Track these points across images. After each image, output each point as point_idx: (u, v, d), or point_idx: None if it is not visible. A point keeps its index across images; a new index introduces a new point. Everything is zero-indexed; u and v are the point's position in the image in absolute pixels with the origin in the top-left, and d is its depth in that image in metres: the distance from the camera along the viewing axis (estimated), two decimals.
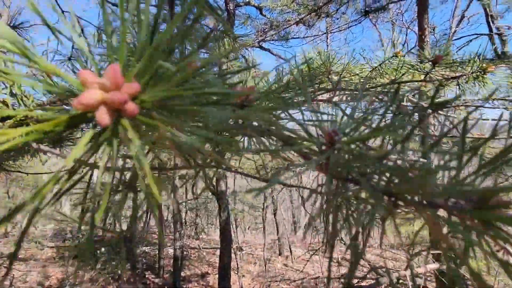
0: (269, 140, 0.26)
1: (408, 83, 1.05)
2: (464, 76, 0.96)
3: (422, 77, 1.03)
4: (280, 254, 12.97)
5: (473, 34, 10.34)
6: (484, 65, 0.95)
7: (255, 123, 0.24)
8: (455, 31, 11.35)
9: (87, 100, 0.18)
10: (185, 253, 10.87)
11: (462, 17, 11.76)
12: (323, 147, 0.25)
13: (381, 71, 1.12)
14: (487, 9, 8.49)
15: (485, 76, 0.97)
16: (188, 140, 0.18)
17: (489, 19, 8.91)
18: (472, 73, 0.96)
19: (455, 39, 11.26)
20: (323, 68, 1.15)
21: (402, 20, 14.00)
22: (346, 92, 1.03)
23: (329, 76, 1.13)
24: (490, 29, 9.05)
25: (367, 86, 1.05)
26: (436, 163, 0.24)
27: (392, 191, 0.23)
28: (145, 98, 0.20)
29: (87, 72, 0.19)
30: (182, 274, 10.45)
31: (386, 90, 1.00)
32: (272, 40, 6.79)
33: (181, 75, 0.20)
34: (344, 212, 0.26)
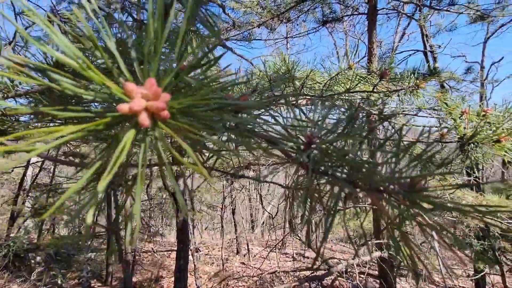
0: (256, 140, 0.33)
1: (359, 92, 1.21)
2: (403, 90, 1.17)
3: (371, 88, 1.20)
4: (238, 252, 13.07)
5: (411, 50, 11.77)
6: (417, 81, 1.17)
7: (248, 126, 0.30)
8: (397, 46, 12.77)
9: (137, 107, 0.22)
10: (137, 257, 10.26)
11: (403, 34, 13.29)
12: (302, 147, 0.33)
13: (337, 80, 1.27)
14: (423, 29, 9.72)
15: (418, 90, 1.19)
16: (213, 139, 0.23)
17: (424, 38, 10.22)
18: (409, 87, 1.17)
19: (397, 53, 12.69)
20: (287, 74, 1.26)
21: (354, 32, 15.26)
22: (308, 97, 1.15)
23: (293, 82, 1.24)
24: (425, 47, 10.40)
25: (326, 93, 1.19)
26: (380, 160, 0.33)
27: (351, 180, 0.31)
28: (174, 105, 0.24)
29: (131, 84, 0.23)
30: (134, 279, 9.85)
31: (342, 97, 1.15)
32: (235, 40, 6.83)
33: (205, 89, 0.25)
34: (317, 196, 0.33)
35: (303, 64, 1.30)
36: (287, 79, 1.19)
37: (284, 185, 0.67)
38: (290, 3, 4.51)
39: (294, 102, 1.22)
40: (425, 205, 0.34)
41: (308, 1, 4.58)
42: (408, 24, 12.81)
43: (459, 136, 0.94)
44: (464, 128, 0.97)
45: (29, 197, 11.25)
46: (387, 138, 0.33)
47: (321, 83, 1.27)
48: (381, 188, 0.31)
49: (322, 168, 0.32)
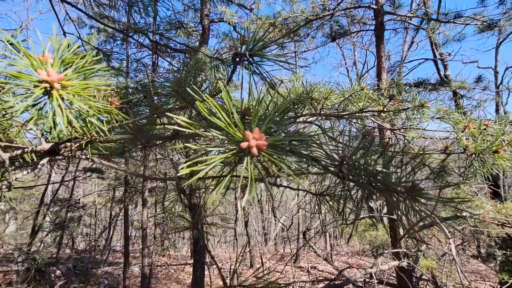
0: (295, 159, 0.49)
1: (371, 111, 1.37)
2: (409, 109, 1.32)
3: (381, 108, 1.36)
4: (251, 266, 12.96)
5: (421, 59, 11.80)
6: (422, 102, 1.33)
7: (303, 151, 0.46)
8: (406, 55, 12.81)
9: (252, 144, 0.39)
10: (152, 271, 10.37)
11: (412, 42, 13.33)
12: (337, 163, 0.49)
13: (351, 100, 1.44)
14: (432, 39, 9.79)
15: (423, 109, 1.35)
16: (296, 164, 0.39)
17: (433, 47, 10.28)
18: (415, 106, 1.33)
19: (407, 62, 12.70)
20: (305, 95, 1.43)
21: (362, 42, 15.44)
22: (325, 116, 1.31)
23: (311, 102, 1.42)
24: (435, 55, 10.44)
25: (342, 113, 1.36)
26: (392, 169, 0.48)
27: (372, 185, 0.47)
28: (267, 142, 0.41)
29: (248, 132, 0.40)
30: None
31: (357, 115, 1.31)
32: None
33: (284, 133, 0.42)
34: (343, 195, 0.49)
35: (313, 80, 1.48)
36: (307, 100, 1.36)
37: (314, 191, 0.82)
38: (300, 21, 4.78)
39: (311, 120, 1.38)
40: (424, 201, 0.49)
41: (317, 20, 4.83)
42: (416, 33, 12.89)
43: (462, 147, 1.07)
44: (467, 139, 1.10)
45: (49, 211, 11.60)
46: (399, 151, 0.49)
47: (336, 104, 1.43)
48: (391, 189, 0.46)
49: (351, 177, 0.47)
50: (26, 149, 0.69)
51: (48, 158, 0.73)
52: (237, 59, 0.70)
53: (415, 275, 3.74)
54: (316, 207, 0.84)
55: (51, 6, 2.33)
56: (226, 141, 0.41)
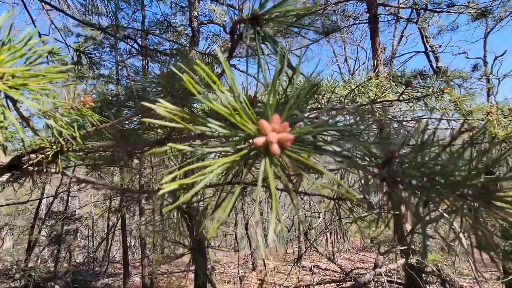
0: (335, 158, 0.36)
1: (384, 102, 1.26)
2: (428, 96, 1.21)
3: (393, 97, 1.25)
4: (254, 269, 12.78)
5: (412, 52, 11.89)
6: (442, 87, 1.21)
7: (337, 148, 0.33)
8: (396, 49, 12.92)
9: (272, 139, 0.26)
10: (154, 279, 10.13)
11: (401, 36, 13.46)
12: (381, 161, 0.36)
13: (359, 91, 1.32)
14: (422, 31, 9.84)
15: (443, 95, 1.23)
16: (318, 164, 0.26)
17: (424, 39, 10.33)
18: (434, 93, 1.21)
19: (398, 56, 12.85)
20: (312, 89, 1.31)
21: (353, 38, 15.47)
22: (333, 111, 1.20)
23: (315, 96, 1.30)
24: (426, 48, 10.48)
25: (350, 105, 1.24)
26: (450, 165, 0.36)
27: (430, 188, 0.35)
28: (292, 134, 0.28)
29: (264, 121, 0.27)
30: None
31: (368, 107, 1.19)
32: (239, 57, 7.03)
33: (309, 120, 0.29)
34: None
35: (322, 79, 1.37)
36: (313, 94, 1.25)
37: (331, 196, 0.70)
38: (291, 18, 4.64)
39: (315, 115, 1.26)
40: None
41: (308, 16, 4.72)
42: (406, 26, 12.99)
43: (491, 136, 0.97)
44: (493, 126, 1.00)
45: (45, 225, 11.31)
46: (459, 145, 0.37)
47: (342, 96, 1.32)
48: (459, 192, 0.34)
49: (399, 179, 0.35)
50: None
51: (8, 174, 0.59)
52: (241, 27, 0.55)
53: (424, 271, 3.63)
54: (334, 213, 0.71)
55: (27, 11, 2.17)
56: (231, 138, 0.28)
